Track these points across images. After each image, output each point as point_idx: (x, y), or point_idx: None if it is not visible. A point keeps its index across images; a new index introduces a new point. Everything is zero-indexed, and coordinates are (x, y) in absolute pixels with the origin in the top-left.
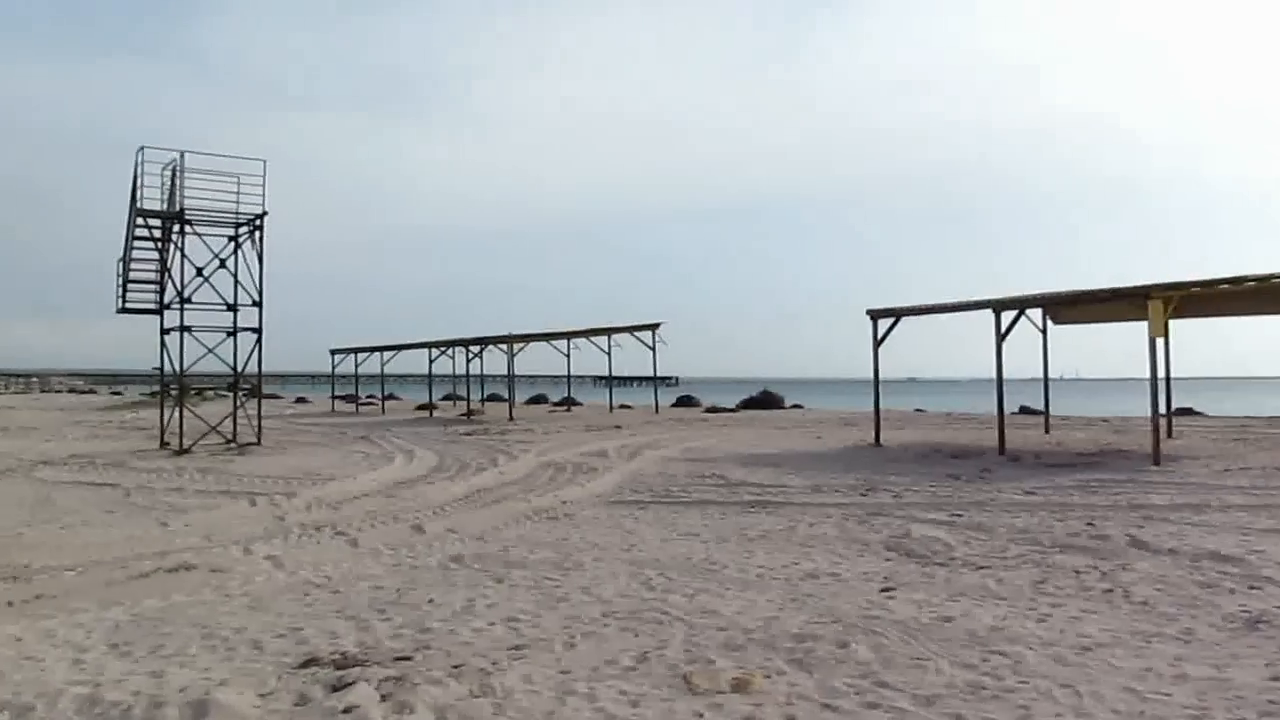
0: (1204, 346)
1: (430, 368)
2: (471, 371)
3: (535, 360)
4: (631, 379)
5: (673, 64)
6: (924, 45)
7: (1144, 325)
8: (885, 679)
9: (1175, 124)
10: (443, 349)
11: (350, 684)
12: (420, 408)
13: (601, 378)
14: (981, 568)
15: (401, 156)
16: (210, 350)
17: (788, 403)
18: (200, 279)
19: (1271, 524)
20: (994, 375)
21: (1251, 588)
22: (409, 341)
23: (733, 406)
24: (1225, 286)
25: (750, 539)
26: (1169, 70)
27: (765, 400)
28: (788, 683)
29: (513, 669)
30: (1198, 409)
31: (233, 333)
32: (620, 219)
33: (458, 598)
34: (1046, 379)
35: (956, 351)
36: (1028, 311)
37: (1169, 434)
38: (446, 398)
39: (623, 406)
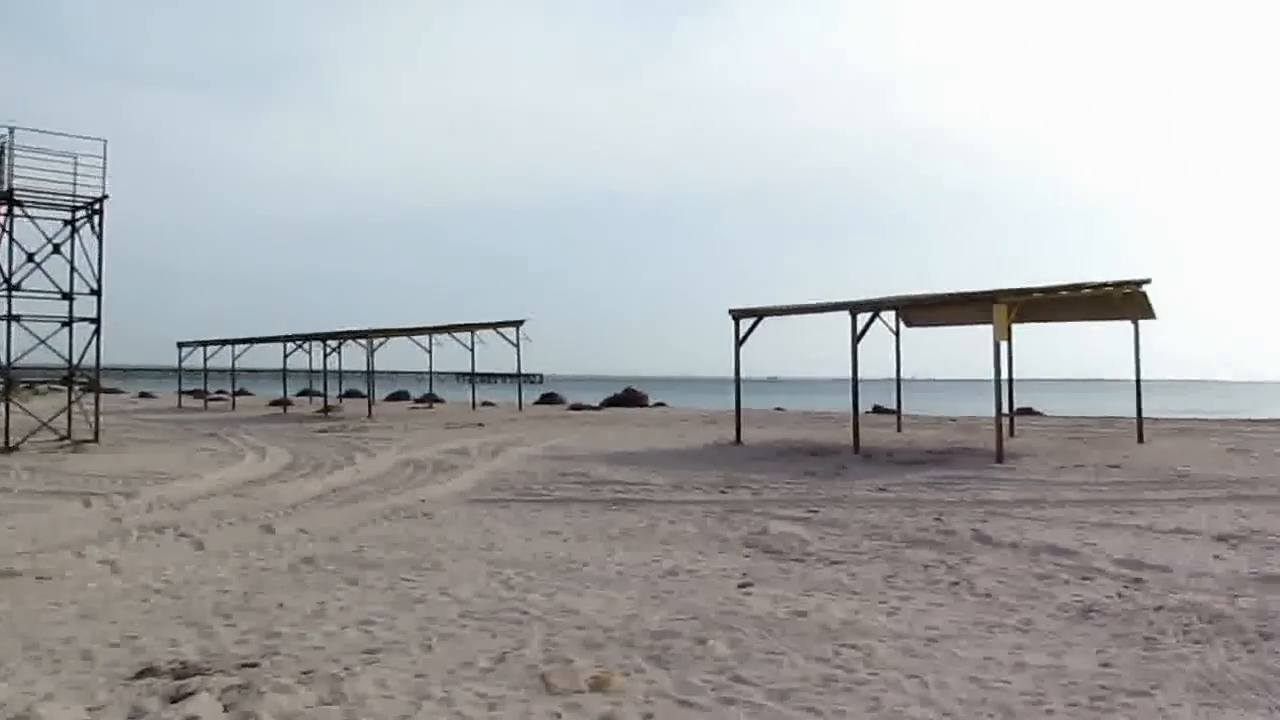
0: (1044, 350)
1: (285, 362)
2: (329, 367)
3: (396, 356)
4: (495, 376)
5: (537, 62)
6: (787, 56)
7: (990, 328)
8: (742, 674)
9: (1015, 139)
10: (299, 343)
11: (190, 694)
12: (274, 404)
13: (464, 374)
14: (836, 563)
15: (257, 142)
16: (42, 341)
17: (651, 401)
18: (32, 265)
19: (1103, 518)
20: (850, 375)
21: (1084, 579)
22: (263, 335)
23: (597, 404)
24: (1064, 293)
25: (611, 537)
26: (1010, 87)
27: (629, 398)
28: (646, 680)
29: (365, 674)
30: (1037, 409)
31: (68, 323)
32: (486, 214)
33: (309, 601)
34: (899, 379)
35: (815, 352)
36: (882, 314)
37: (1011, 433)
38: (303, 394)
39: (485, 404)
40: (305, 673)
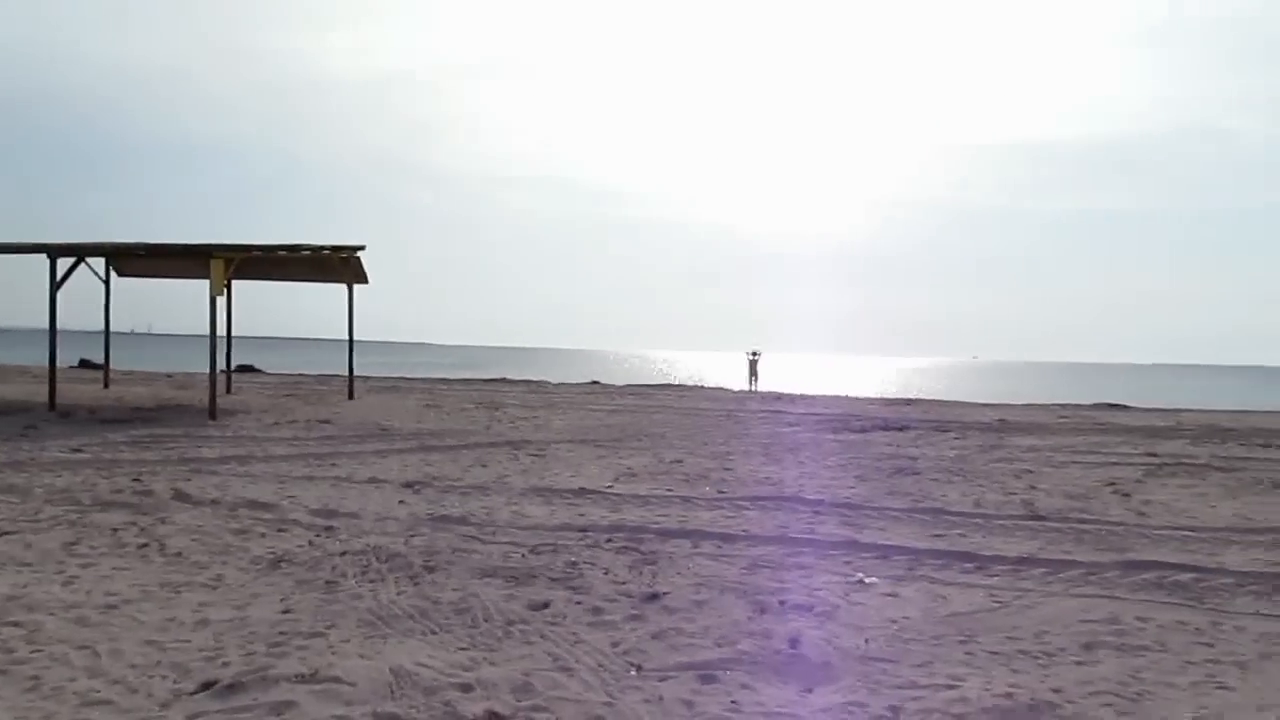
0: (272, 307)
1: None
2: None
3: None
4: None
5: None
6: None
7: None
8: None
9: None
10: None
11: None
12: None
13: None
14: (8, 533)
15: None
16: None
17: None
18: None
19: (306, 471)
20: (48, 325)
21: (280, 530)
22: None
23: None
24: (283, 253)
25: None
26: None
27: None
28: None
29: None
30: (259, 366)
31: None
32: None
33: None
34: (108, 332)
35: (9, 298)
36: (89, 260)
37: (229, 389)
38: None
39: None
40: None
